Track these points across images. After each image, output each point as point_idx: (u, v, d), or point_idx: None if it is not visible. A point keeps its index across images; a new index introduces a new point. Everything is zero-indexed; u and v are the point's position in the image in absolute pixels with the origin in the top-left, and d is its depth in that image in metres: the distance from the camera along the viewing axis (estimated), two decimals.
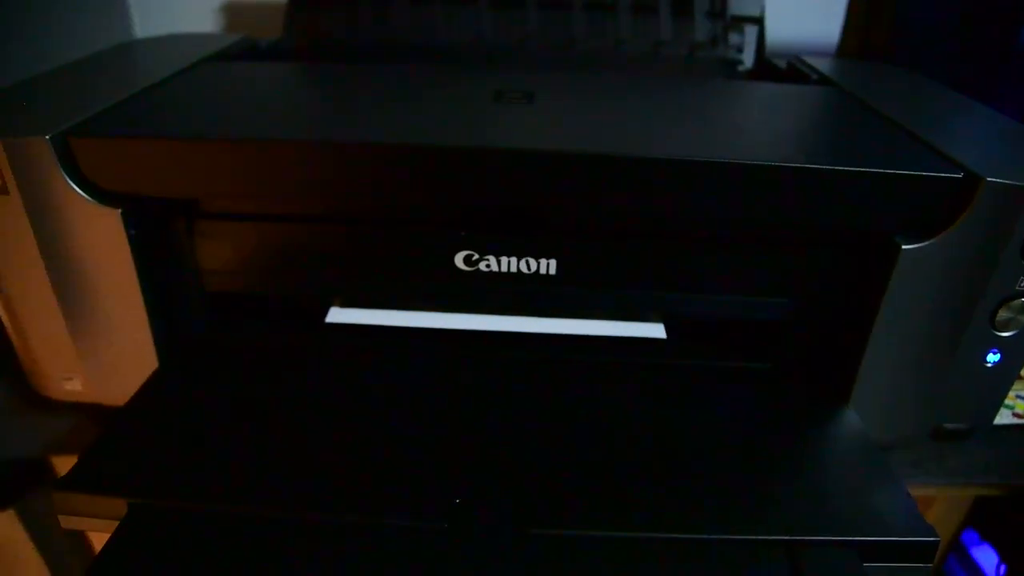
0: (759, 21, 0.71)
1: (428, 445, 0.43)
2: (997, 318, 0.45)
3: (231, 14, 0.86)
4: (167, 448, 0.42)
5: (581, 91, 0.56)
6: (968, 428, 0.50)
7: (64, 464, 0.58)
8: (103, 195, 0.43)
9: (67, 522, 0.38)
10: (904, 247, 0.43)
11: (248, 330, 0.53)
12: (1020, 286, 0.43)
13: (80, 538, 0.63)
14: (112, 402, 0.50)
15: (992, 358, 0.46)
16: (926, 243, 0.43)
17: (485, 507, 0.38)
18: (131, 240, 0.44)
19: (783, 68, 0.69)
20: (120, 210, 0.43)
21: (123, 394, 0.47)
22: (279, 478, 0.40)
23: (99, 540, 0.39)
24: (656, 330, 0.51)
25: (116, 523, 0.37)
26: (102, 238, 0.44)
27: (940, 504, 0.71)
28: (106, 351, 0.49)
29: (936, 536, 0.37)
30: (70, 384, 0.50)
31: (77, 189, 0.43)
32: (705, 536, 0.37)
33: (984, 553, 0.78)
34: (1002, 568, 0.75)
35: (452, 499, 0.38)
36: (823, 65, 0.66)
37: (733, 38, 0.71)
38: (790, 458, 0.43)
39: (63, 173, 0.42)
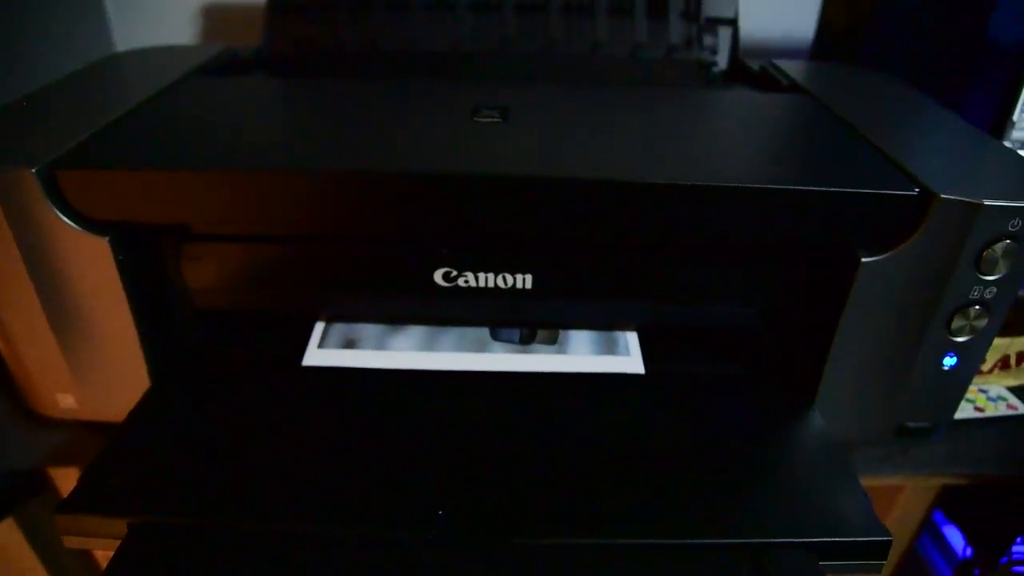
0: (733, 23, 0.72)
1: (416, 457, 0.45)
2: (952, 325, 0.47)
3: (209, 19, 0.87)
4: (164, 466, 0.44)
5: (554, 106, 0.57)
6: (930, 426, 0.52)
7: (62, 475, 0.60)
8: (91, 224, 0.45)
9: (70, 542, 0.40)
10: (864, 259, 0.45)
11: (241, 345, 0.55)
12: (973, 295, 0.46)
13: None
14: (107, 418, 0.52)
15: (949, 361, 0.49)
16: (885, 255, 0.45)
17: (468, 517, 0.40)
18: (119, 265, 0.46)
19: (756, 71, 0.71)
20: (108, 237, 0.45)
21: (117, 411, 0.49)
22: (268, 492, 0.42)
23: (104, 551, 0.41)
24: (633, 364, 0.52)
25: (119, 541, 0.39)
26: (91, 264, 0.45)
27: (909, 491, 0.74)
28: (99, 370, 0.50)
29: (888, 536, 0.40)
30: (64, 402, 0.52)
31: (64, 219, 0.44)
32: (675, 541, 0.40)
33: (954, 532, 0.81)
34: (968, 551, 0.79)
35: (436, 510, 0.40)
36: (794, 70, 0.68)
37: (708, 40, 0.72)
38: (756, 461, 0.46)
39: (50, 204, 0.43)
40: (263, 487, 0.42)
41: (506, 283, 0.49)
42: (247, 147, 0.48)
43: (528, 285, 0.49)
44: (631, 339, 0.54)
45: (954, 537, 0.81)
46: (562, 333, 0.54)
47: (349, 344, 0.53)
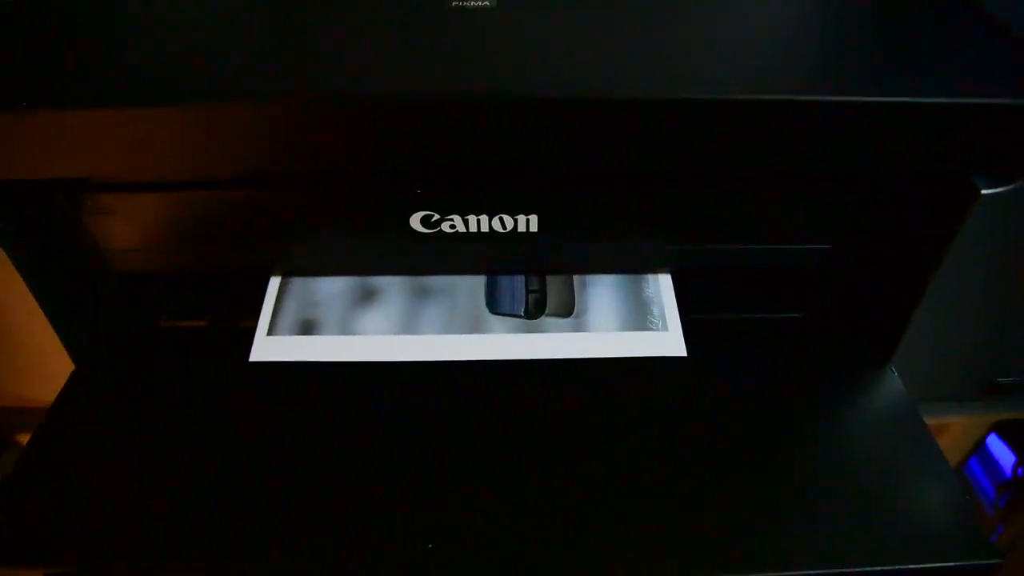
0: None
1: (394, 487, 0.34)
2: None
3: None
4: (85, 492, 0.35)
5: None
6: (1021, 381, 0.43)
7: None
8: None
9: None
10: (984, 191, 0.33)
11: (181, 313, 0.44)
12: None
13: None
14: (31, 404, 0.43)
15: None
16: (1009, 187, 0.33)
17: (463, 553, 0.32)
18: None
19: None
20: None
21: (42, 395, 0.40)
22: (219, 525, 0.33)
23: None
24: (672, 342, 0.40)
25: None
26: None
27: (957, 427, 0.66)
28: (15, 354, 0.41)
29: (999, 557, 0.32)
30: None
31: None
32: None
33: (1003, 450, 0.75)
34: (1020, 470, 0.73)
35: (424, 544, 0.32)
36: None
37: None
38: (824, 459, 0.36)
39: None
40: (212, 520, 0.33)
41: (505, 226, 0.38)
42: (157, 71, 0.35)
43: (534, 228, 0.38)
44: (667, 302, 0.42)
45: (1003, 456, 0.75)
46: (579, 299, 0.42)
47: (307, 327, 0.41)
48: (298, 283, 0.42)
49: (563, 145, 0.33)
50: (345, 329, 0.40)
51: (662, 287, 0.42)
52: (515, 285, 0.42)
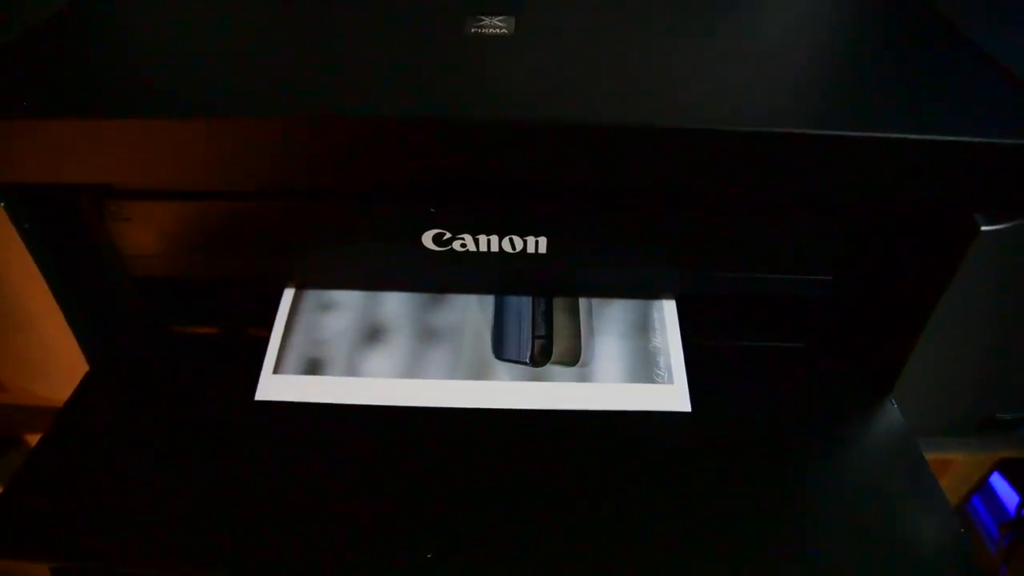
0: None
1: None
2: None
3: None
4: (93, 492, 0.35)
5: (576, 10, 0.44)
6: (1021, 417, 0.43)
7: None
8: None
9: None
10: (984, 228, 0.34)
11: (194, 317, 0.45)
12: None
13: None
14: (44, 403, 0.44)
15: None
16: (1010, 224, 0.34)
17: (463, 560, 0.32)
18: (24, 234, 0.36)
19: None
20: (2, 204, 0.35)
21: (54, 394, 0.41)
22: (222, 531, 0.34)
23: None
24: (676, 396, 0.39)
25: None
26: None
27: (957, 466, 0.66)
28: (29, 352, 0.42)
29: None
30: None
31: None
32: None
33: (1007, 489, 0.74)
34: (1019, 503, 0.72)
35: (423, 554, 0.33)
36: None
37: None
38: (818, 477, 0.37)
39: None
40: (216, 528, 0.34)
41: (514, 247, 0.39)
42: (182, 84, 0.36)
43: (543, 249, 0.39)
44: (674, 354, 0.41)
45: (1007, 493, 0.74)
46: (585, 348, 0.41)
47: (312, 366, 0.41)
48: (305, 319, 0.43)
49: (573, 169, 0.34)
50: (351, 369, 0.40)
51: (670, 338, 0.42)
52: (521, 331, 0.42)
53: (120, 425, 0.39)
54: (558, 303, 0.44)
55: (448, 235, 0.38)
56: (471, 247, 0.39)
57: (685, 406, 0.39)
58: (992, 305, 0.38)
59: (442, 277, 0.42)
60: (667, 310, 0.43)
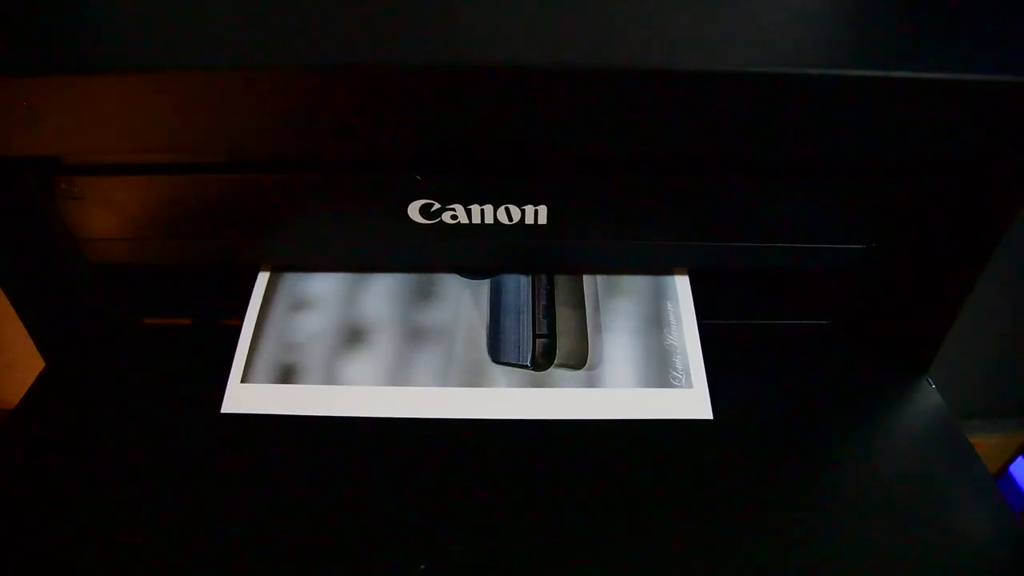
0: None
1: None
2: None
3: None
4: (36, 510, 0.31)
5: None
6: None
7: None
8: None
9: None
10: None
11: (161, 309, 0.41)
12: None
13: None
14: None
15: None
16: None
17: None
18: None
19: None
20: None
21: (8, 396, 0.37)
22: (181, 555, 0.30)
23: None
24: (697, 402, 0.35)
25: None
26: None
27: (983, 448, 0.63)
28: None
29: None
30: None
31: None
32: None
33: None
34: None
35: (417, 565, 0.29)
36: None
37: None
38: (854, 463, 0.33)
39: None
40: (185, 551, 0.30)
41: (511, 217, 0.35)
42: (136, 34, 0.31)
43: (542, 220, 0.35)
44: (692, 352, 0.37)
45: None
46: (593, 348, 0.37)
47: (286, 373, 0.36)
48: (277, 321, 0.38)
49: (577, 125, 0.30)
50: (328, 376, 0.36)
51: (686, 333, 0.38)
52: (520, 329, 0.38)
53: (73, 431, 0.35)
54: (561, 298, 0.39)
55: (437, 206, 0.34)
56: (463, 219, 0.35)
57: (706, 413, 0.35)
58: None
59: (431, 254, 0.38)
60: (682, 302, 0.39)
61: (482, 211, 0.35)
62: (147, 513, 0.31)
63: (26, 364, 0.39)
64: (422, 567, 0.29)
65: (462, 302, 0.39)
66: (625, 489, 0.32)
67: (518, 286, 0.40)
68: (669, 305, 0.39)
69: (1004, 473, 0.74)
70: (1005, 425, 0.48)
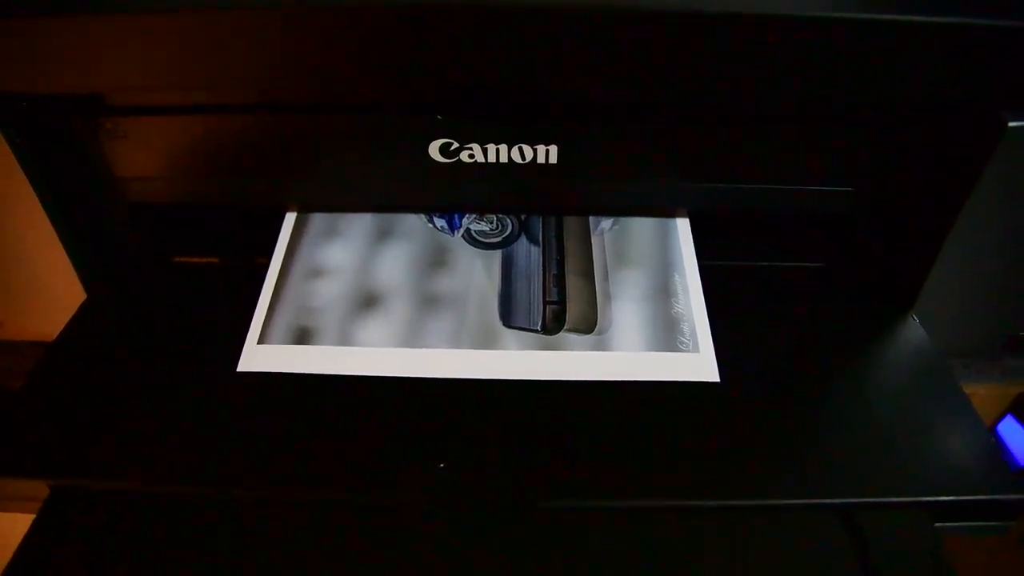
0: None
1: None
2: None
3: None
4: (94, 412, 0.34)
5: None
6: None
7: None
8: None
9: None
10: (1011, 124, 0.33)
11: (198, 248, 0.44)
12: None
13: None
14: (41, 338, 0.43)
15: None
16: None
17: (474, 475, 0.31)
18: (17, 150, 0.35)
19: None
20: None
21: (52, 329, 0.39)
22: (221, 449, 0.33)
23: (23, 514, 0.33)
24: (703, 365, 0.36)
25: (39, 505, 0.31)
26: None
27: (978, 399, 0.65)
28: (26, 282, 0.41)
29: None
30: None
31: None
32: (738, 503, 0.31)
33: (1018, 436, 0.73)
34: None
35: (436, 464, 0.32)
36: None
37: None
38: (843, 386, 0.36)
39: None
40: (216, 442, 0.33)
41: (524, 157, 0.38)
42: None
43: (553, 159, 0.38)
44: (699, 319, 0.38)
45: (1017, 440, 0.73)
46: (602, 314, 0.38)
47: (302, 336, 0.37)
48: (295, 283, 0.40)
49: (586, 66, 0.32)
50: (343, 339, 0.37)
51: (693, 303, 0.39)
52: (531, 296, 0.39)
53: (116, 350, 0.38)
54: (571, 267, 0.41)
55: (455, 145, 0.37)
56: (479, 158, 0.37)
57: (713, 376, 0.36)
58: (1016, 213, 0.36)
59: (450, 192, 0.40)
60: (689, 274, 0.40)
61: (497, 150, 0.37)
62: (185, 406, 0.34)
63: (62, 303, 0.41)
64: (440, 465, 0.31)
65: (474, 271, 0.40)
66: (633, 446, 0.33)
67: (529, 256, 0.41)
68: (676, 276, 0.40)
69: (992, 433, 0.77)
70: (997, 375, 0.50)
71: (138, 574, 0.29)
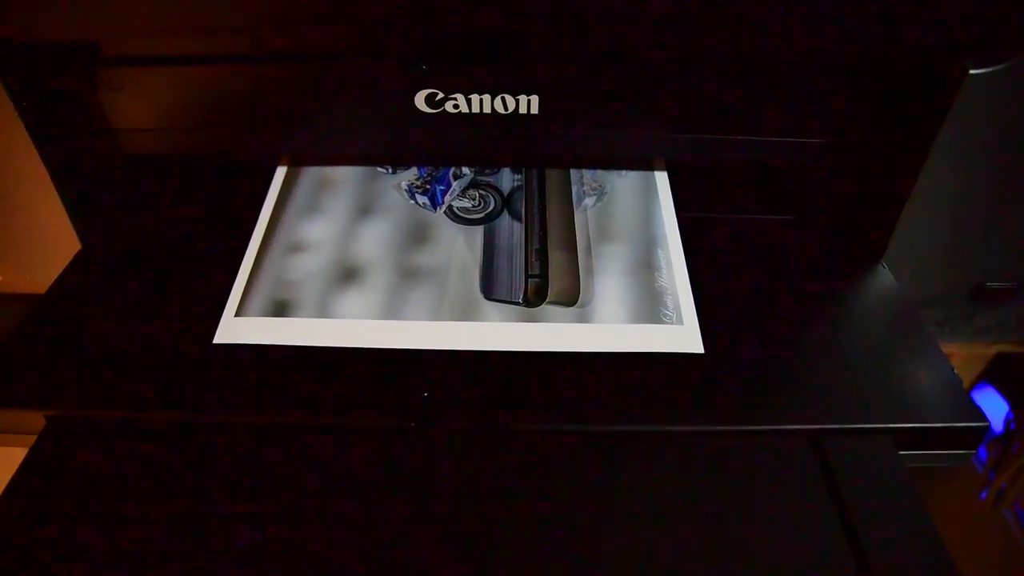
0: None
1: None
2: None
3: None
4: (85, 347, 0.36)
5: None
6: (1015, 287, 0.44)
7: None
8: None
9: None
10: (972, 71, 0.34)
11: (186, 200, 0.45)
12: None
13: None
14: (36, 290, 0.44)
15: None
16: (1000, 67, 0.34)
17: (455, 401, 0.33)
18: (15, 98, 0.36)
19: None
20: None
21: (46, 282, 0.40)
22: (214, 376, 0.34)
23: (17, 447, 0.34)
24: (688, 337, 0.36)
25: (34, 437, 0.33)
26: None
27: (957, 359, 0.67)
28: (20, 235, 0.42)
29: (984, 420, 0.32)
30: None
31: None
32: (711, 428, 0.32)
33: (992, 403, 0.75)
34: (1012, 424, 0.73)
35: (420, 393, 0.33)
36: None
37: None
38: (816, 329, 0.38)
39: None
40: (207, 371, 0.34)
41: (507, 107, 0.39)
42: None
43: (534, 109, 0.39)
44: (682, 293, 0.38)
45: (993, 408, 0.75)
46: (584, 288, 0.38)
47: (280, 308, 0.37)
48: (274, 258, 0.40)
49: (565, 19, 0.34)
50: (323, 312, 0.37)
51: (677, 277, 0.39)
52: (513, 268, 0.39)
53: (111, 292, 0.39)
54: (553, 242, 0.41)
55: (440, 95, 0.38)
56: (463, 108, 0.39)
57: (697, 347, 0.36)
58: (979, 162, 0.38)
59: (436, 143, 0.42)
60: (672, 249, 0.40)
61: (480, 100, 0.39)
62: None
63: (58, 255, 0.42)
64: (425, 394, 0.33)
65: (456, 246, 0.40)
66: (615, 417, 0.33)
67: (511, 231, 0.41)
68: (660, 251, 0.40)
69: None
70: (970, 332, 0.51)
71: (128, 498, 0.30)
